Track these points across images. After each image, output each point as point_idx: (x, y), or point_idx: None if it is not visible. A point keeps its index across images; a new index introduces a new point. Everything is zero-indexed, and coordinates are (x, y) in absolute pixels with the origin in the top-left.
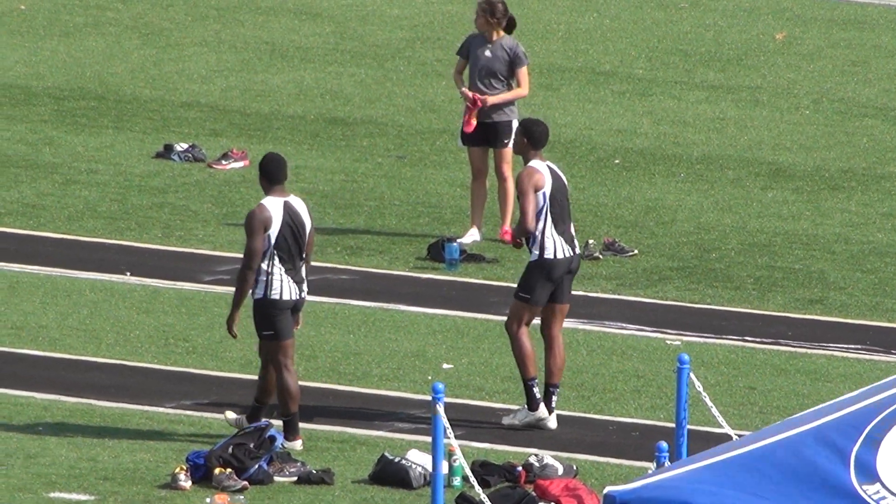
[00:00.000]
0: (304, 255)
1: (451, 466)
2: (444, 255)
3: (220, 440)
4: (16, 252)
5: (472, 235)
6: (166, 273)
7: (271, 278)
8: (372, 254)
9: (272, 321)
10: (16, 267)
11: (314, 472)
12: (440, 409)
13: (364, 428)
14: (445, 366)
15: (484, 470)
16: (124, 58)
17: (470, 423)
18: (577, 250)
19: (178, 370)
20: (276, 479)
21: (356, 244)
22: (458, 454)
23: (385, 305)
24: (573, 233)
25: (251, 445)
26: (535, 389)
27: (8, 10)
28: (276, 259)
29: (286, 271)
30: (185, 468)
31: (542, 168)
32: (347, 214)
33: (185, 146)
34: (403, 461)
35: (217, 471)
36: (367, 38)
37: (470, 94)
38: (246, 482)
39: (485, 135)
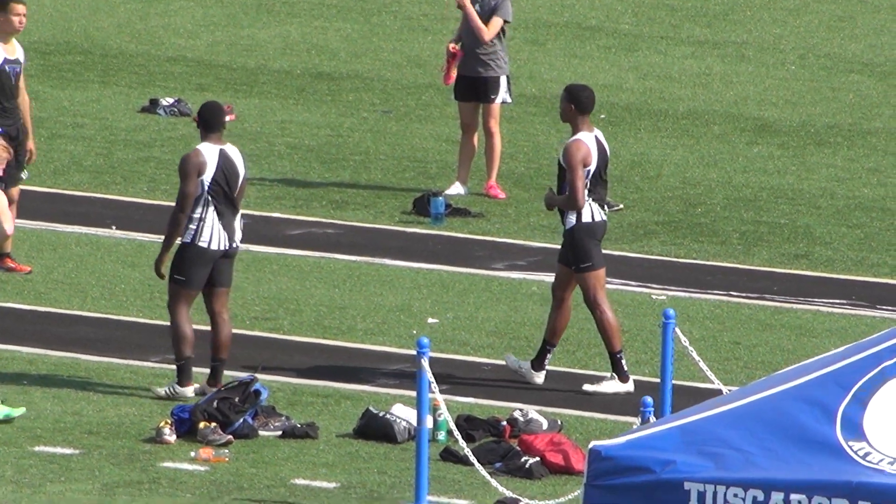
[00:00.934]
0: (235, 204)
1: (435, 421)
2: (430, 210)
3: (205, 394)
4: None
5: (456, 189)
6: (152, 227)
7: (202, 225)
8: (357, 208)
9: (189, 268)
10: None
11: (299, 426)
12: (425, 363)
13: (349, 382)
14: (430, 320)
15: (468, 424)
16: (110, 12)
17: (455, 377)
18: (606, 216)
19: (164, 324)
20: (261, 433)
21: (341, 198)
22: (443, 408)
23: (370, 259)
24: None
25: (236, 400)
26: (624, 361)
27: None
28: (210, 206)
29: (218, 219)
30: (169, 422)
31: (590, 142)
32: (333, 169)
33: (171, 101)
34: (388, 415)
35: (202, 425)
36: None
37: (450, 46)
38: (231, 436)
39: (474, 89)
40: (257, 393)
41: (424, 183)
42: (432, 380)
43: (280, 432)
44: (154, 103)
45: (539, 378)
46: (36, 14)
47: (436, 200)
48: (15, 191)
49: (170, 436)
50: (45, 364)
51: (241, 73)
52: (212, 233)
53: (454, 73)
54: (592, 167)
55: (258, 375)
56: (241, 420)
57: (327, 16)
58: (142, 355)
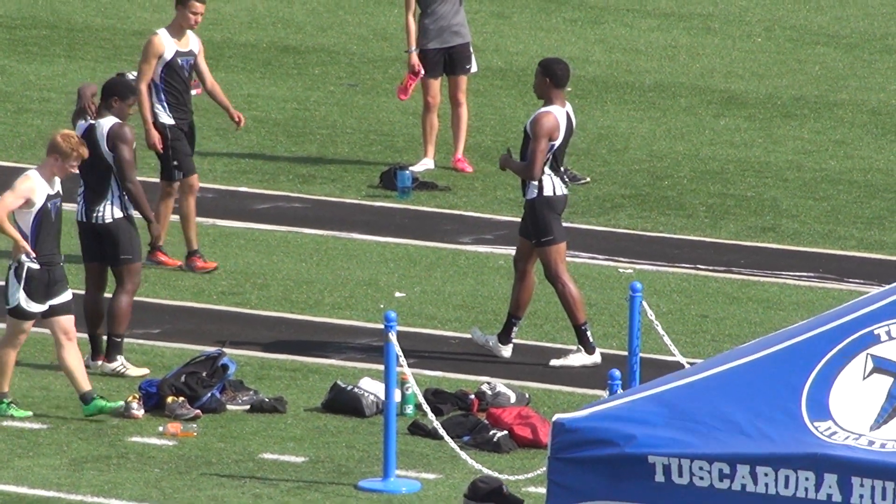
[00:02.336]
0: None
1: (403, 395)
2: (397, 183)
3: (171, 369)
4: None
5: (424, 164)
6: None
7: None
8: (324, 182)
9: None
10: None
11: (266, 400)
12: (392, 337)
13: (316, 356)
14: (398, 294)
15: (437, 398)
16: None
17: (422, 351)
18: (568, 190)
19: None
20: (229, 407)
21: (308, 172)
22: (411, 382)
23: (337, 234)
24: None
25: (203, 374)
26: (589, 333)
27: None
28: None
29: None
30: (137, 397)
31: (560, 116)
32: (299, 143)
33: (137, 74)
34: (356, 389)
35: (170, 399)
36: None
37: (414, 62)
38: (198, 411)
39: (447, 62)
40: (225, 367)
41: (391, 157)
42: (400, 354)
43: (248, 406)
44: (121, 77)
45: (506, 352)
46: None
47: (402, 174)
48: (194, 178)
49: (138, 410)
50: None
51: (207, 46)
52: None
53: (411, 90)
54: (558, 142)
55: (226, 350)
56: (209, 394)
57: None
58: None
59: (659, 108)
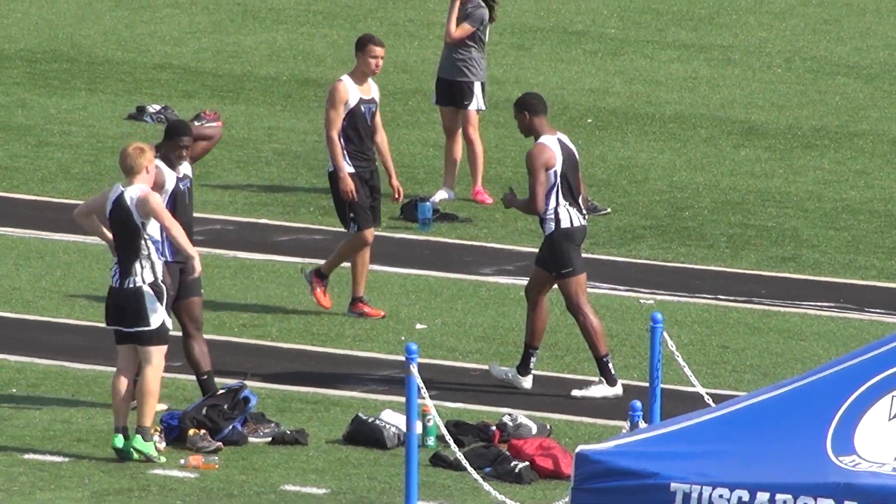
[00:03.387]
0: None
1: (425, 426)
2: (418, 215)
3: (194, 401)
4: None
5: (442, 194)
6: None
7: None
8: None
9: None
10: None
11: (288, 432)
12: (414, 369)
13: (338, 388)
14: (419, 326)
15: (458, 430)
16: (96, 19)
17: (444, 383)
18: (586, 221)
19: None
20: (251, 439)
21: (329, 204)
22: (433, 414)
23: None
24: (581, 203)
25: (225, 406)
26: (611, 365)
27: None
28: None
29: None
30: (159, 429)
31: (551, 144)
32: (320, 175)
33: (158, 108)
34: (377, 421)
35: (191, 432)
36: None
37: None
38: (220, 443)
39: (451, 94)
40: (246, 400)
41: (412, 188)
42: (421, 385)
43: (269, 439)
44: (141, 110)
45: (527, 383)
46: (22, 22)
47: (423, 206)
48: (369, 233)
49: (160, 443)
50: (34, 372)
51: (228, 79)
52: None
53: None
54: (558, 167)
55: (247, 382)
56: (231, 427)
57: (313, 22)
58: None
59: (679, 138)
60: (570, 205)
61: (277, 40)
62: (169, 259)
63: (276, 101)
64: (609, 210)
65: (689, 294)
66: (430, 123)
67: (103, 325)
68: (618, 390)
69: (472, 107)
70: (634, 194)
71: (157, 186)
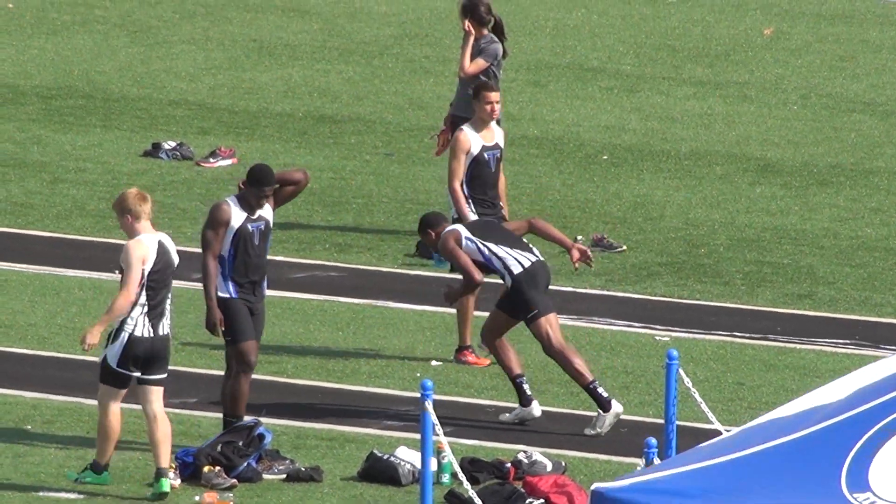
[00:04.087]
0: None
1: (439, 463)
2: (433, 252)
3: (208, 438)
4: (4, 250)
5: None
6: None
7: None
8: (360, 251)
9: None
10: (4, 265)
11: (303, 469)
12: (429, 405)
13: (353, 425)
14: (434, 363)
15: (473, 466)
16: (112, 56)
17: (459, 420)
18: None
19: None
20: (265, 476)
21: (344, 241)
22: (447, 451)
23: (373, 302)
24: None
25: (240, 443)
26: (600, 390)
27: None
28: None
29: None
30: (174, 466)
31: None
32: (336, 212)
33: (173, 144)
34: (392, 458)
35: (206, 468)
36: (355, 35)
37: (442, 126)
38: (235, 480)
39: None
40: (261, 436)
41: None
42: (436, 422)
43: (284, 476)
44: (156, 147)
45: (536, 410)
46: (37, 58)
47: None
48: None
49: (174, 479)
50: (49, 409)
51: (243, 116)
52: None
53: (439, 146)
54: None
55: (262, 419)
56: (245, 463)
57: (329, 59)
58: None
59: (694, 175)
60: (506, 249)
61: (293, 77)
62: (233, 295)
63: (292, 137)
64: (624, 247)
65: (705, 331)
66: (445, 160)
67: None
68: (617, 409)
69: None
70: (650, 231)
71: (223, 224)
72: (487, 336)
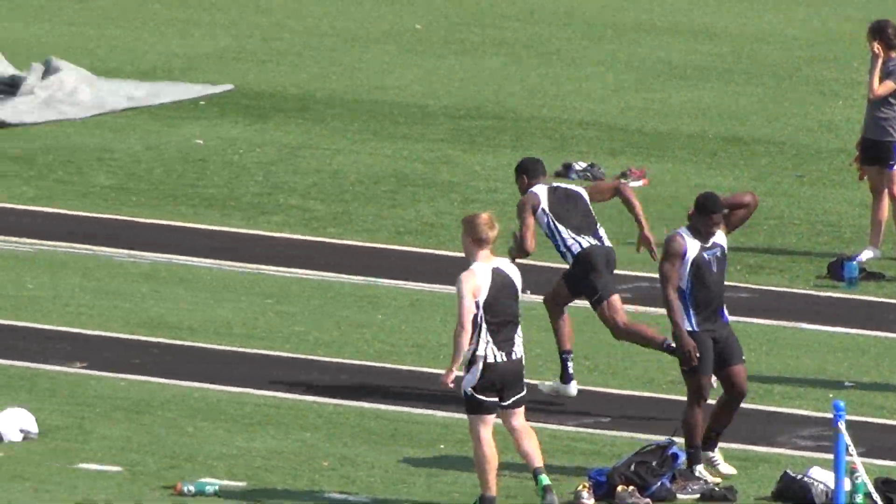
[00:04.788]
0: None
1: (853, 483)
2: (844, 274)
3: (621, 457)
4: (414, 270)
5: (868, 253)
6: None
7: None
8: (772, 272)
9: None
10: (416, 286)
11: (717, 489)
12: (842, 426)
13: (766, 445)
14: (846, 383)
15: (887, 487)
16: (522, 78)
17: (872, 440)
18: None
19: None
20: (679, 496)
21: (756, 262)
22: (861, 471)
23: (786, 324)
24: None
25: (653, 463)
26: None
27: (405, 30)
28: None
29: None
30: (587, 485)
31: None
32: (747, 233)
33: (584, 165)
34: (806, 478)
35: (620, 488)
36: (764, 58)
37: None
38: (648, 500)
39: (875, 153)
40: (674, 456)
41: (838, 247)
42: (850, 442)
43: (698, 495)
44: (567, 168)
45: (573, 389)
46: (446, 78)
47: (850, 265)
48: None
49: (588, 499)
50: (461, 427)
51: (653, 137)
52: None
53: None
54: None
55: (675, 439)
56: (659, 483)
57: (739, 81)
58: (585, 422)
59: None
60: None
61: (703, 98)
62: (695, 329)
63: (702, 159)
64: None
65: None
66: (855, 183)
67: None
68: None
69: None
70: None
71: (678, 256)
72: (550, 299)
